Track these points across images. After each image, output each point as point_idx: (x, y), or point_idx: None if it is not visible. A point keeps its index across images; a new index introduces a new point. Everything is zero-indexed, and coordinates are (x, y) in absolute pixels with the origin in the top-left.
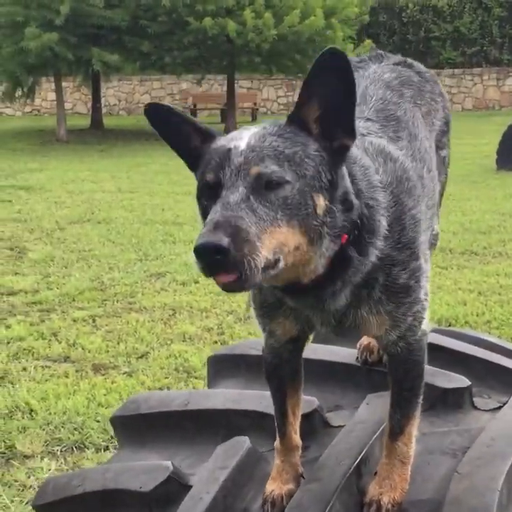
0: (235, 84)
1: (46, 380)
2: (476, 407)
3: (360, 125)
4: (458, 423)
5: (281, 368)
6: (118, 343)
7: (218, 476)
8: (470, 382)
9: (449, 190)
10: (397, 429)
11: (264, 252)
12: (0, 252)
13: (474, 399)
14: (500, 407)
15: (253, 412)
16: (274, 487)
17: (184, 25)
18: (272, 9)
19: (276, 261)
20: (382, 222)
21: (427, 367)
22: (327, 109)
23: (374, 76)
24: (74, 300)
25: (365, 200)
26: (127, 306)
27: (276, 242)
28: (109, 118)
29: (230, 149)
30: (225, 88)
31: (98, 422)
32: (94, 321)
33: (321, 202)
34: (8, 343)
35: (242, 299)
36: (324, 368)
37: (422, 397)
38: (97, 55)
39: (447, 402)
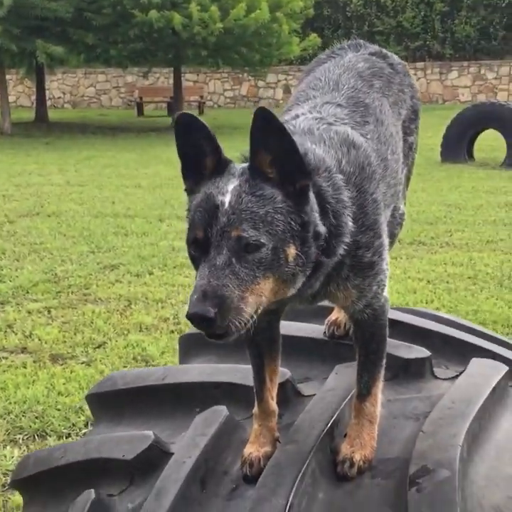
0: (182, 78)
1: (4, 371)
2: (436, 377)
3: (330, 111)
4: (420, 390)
5: (258, 337)
6: (75, 334)
7: (199, 442)
8: (430, 353)
9: None
10: (364, 391)
11: (248, 309)
12: None
13: (434, 369)
14: (457, 376)
15: (227, 383)
16: (252, 450)
17: (129, 18)
18: (218, 2)
19: (257, 310)
20: (348, 223)
21: (390, 340)
22: (275, 156)
23: (348, 65)
24: (28, 292)
25: (332, 208)
26: (82, 298)
27: (256, 297)
28: (53, 111)
29: (217, 206)
30: (171, 81)
31: (59, 410)
32: (49, 312)
33: (292, 251)
34: None
35: None
36: (293, 343)
37: (385, 360)
38: (41, 47)
39: (409, 372)
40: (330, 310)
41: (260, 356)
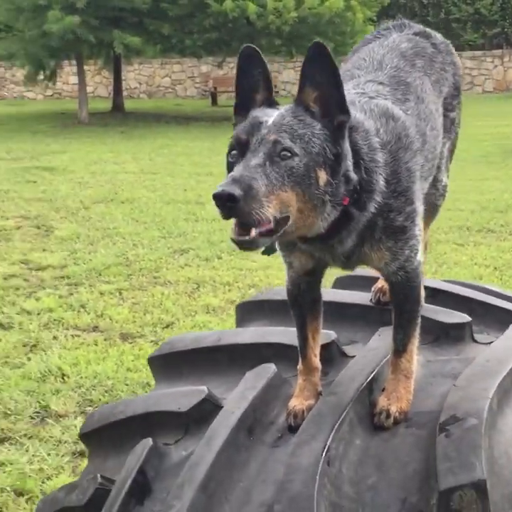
0: None
1: (76, 348)
2: (476, 341)
3: (372, 88)
4: (459, 353)
5: (300, 297)
6: (144, 314)
7: (247, 395)
8: (470, 319)
9: (467, 170)
10: (400, 348)
11: (271, 210)
12: (27, 230)
13: (475, 335)
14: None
15: (278, 344)
16: (296, 403)
17: (204, 8)
18: None
19: (286, 219)
20: (380, 182)
21: (431, 306)
22: (321, 92)
23: (392, 45)
24: (100, 275)
25: (365, 165)
26: (152, 280)
27: (281, 203)
28: (130, 101)
29: (261, 122)
30: None
31: (127, 385)
32: (120, 293)
33: (323, 176)
34: (39, 313)
35: (262, 274)
36: (342, 309)
37: (419, 320)
38: (118, 38)
39: (449, 336)
40: (376, 279)
41: (303, 316)
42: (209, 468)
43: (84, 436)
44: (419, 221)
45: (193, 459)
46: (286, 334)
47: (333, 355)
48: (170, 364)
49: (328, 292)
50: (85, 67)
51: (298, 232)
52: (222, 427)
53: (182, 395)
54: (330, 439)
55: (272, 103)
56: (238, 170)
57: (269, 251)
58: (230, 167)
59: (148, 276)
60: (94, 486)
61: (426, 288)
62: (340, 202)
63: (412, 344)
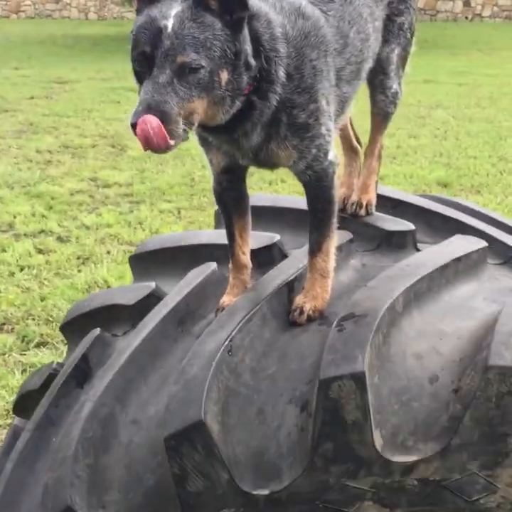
0: None
1: (125, 262)
2: (418, 249)
3: None
4: (397, 260)
5: (224, 195)
6: None
7: (183, 289)
8: (413, 227)
9: None
10: (315, 247)
11: (183, 124)
12: (102, 148)
13: (420, 244)
14: None
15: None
16: (226, 299)
17: None
18: None
19: (191, 124)
20: (280, 72)
21: (379, 214)
22: None
23: None
24: (164, 194)
25: (266, 53)
26: (212, 201)
27: (191, 112)
28: None
29: (160, 30)
30: None
31: None
32: (179, 212)
33: (225, 76)
34: (97, 228)
35: None
36: (298, 217)
37: (334, 219)
38: None
39: (391, 243)
40: None
41: (228, 214)
42: (131, 353)
43: (61, 328)
44: (326, 121)
45: (122, 345)
46: None
47: (274, 257)
48: (141, 263)
49: (286, 198)
50: None
51: (200, 123)
52: (153, 317)
53: (132, 290)
54: (235, 330)
55: None
56: (148, 91)
57: None
58: (137, 76)
59: (210, 196)
60: (48, 371)
61: (388, 199)
62: (242, 93)
63: (327, 244)
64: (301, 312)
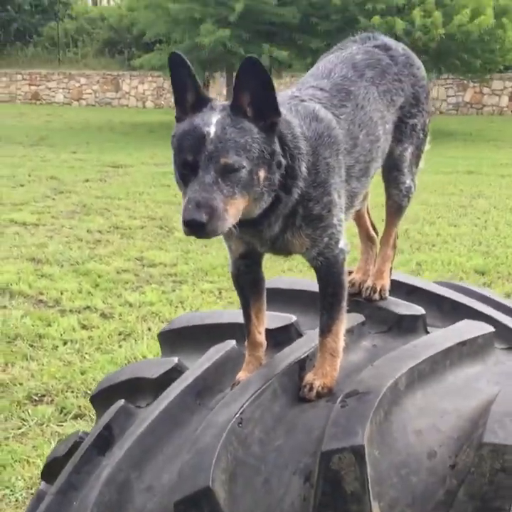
0: None
1: None
2: (427, 332)
3: (309, 92)
4: (406, 342)
5: (241, 278)
6: None
7: (203, 365)
8: (424, 312)
9: None
10: (325, 328)
11: (229, 218)
12: (150, 230)
13: (430, 328)
14: None
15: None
16: (241, 374)
17: (354, 24)
18: (442, 8)
19: (234, 219)
20: (302, 168)
21: (392, 299)
22: (254, 97)
23: (347, 56)
24: (206, 274)
25: (290, 151)
26: None
27: (234, 209)
28: None
29: (204, 136)
30: None
31: None
32: (220, 292)
33: (262, 174)
34: (140, 306)
35: None
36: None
37: (344, 303)
38: (267, 51)
39: (402, 326)
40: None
41: (245, 296)
42: (150, 423)
43: (91, 399)
44: (338, 212)
45: (143, 416)
46: None
47: (291, 336)
48: (168, 339)
49: (303, 281)
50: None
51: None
52: (173, 390)
53: (156, 364)
54: (247, 403)
55: (203, 100)
56: (195, 190)
57: None
58: (183, 179)
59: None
60: (74, 439)
61: (403, 284)
62: (275, 189)
63: (336, 326)
64: (311, 388)
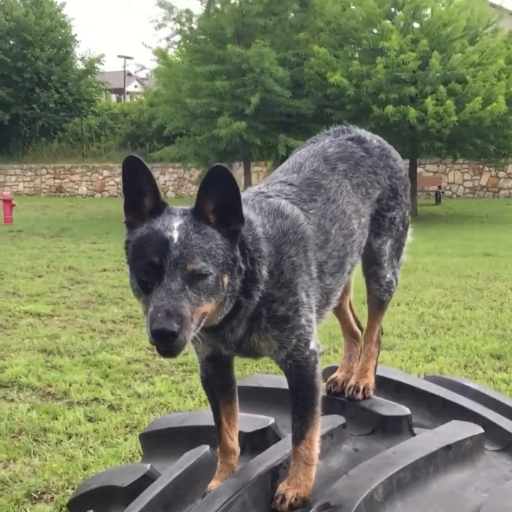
0: (419, 168)
1: None
2: (414, 434)
3: (276, 188)
4: (391, 445)
5: (210, 381)
6: None
7: (173, 473)
8: (408, 412)
9: None
10: (298, 436)
11: (194, 326)
12: None
13: (418, 428)
14: None
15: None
16: (213, 484)
17: (368, 113)
18: (454, 97)
19: (198, 326)
20: (263, 271)
21: (377, 398)
22: (219, 205)
23: (319, 150)
24: None
25: (250, 255)
26: (264, 371)
27: (200, 316)
28: None
29: (167, 241)
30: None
31: None
32: None
33: (226, 280)
34: (148, 397)
35: None
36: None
37: (317, 408)
38: (282, 141)
39: (386, 428)
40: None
41: (215, 400)
42: None
43: (68, 506)
44: (306, 312)
45: None
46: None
47: (268, 440)
48: (148, 442)
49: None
50: (257, 168)
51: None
52: (140, 501)
53: (128, 472)
54: None
55: (160, 205)
56: (162, 298)
57: None
58: (142, 285)
59: (262, 366)
60: None
61: (390, 381)
62: (236, 294)
63: (310, 432)
64: (283, 500)
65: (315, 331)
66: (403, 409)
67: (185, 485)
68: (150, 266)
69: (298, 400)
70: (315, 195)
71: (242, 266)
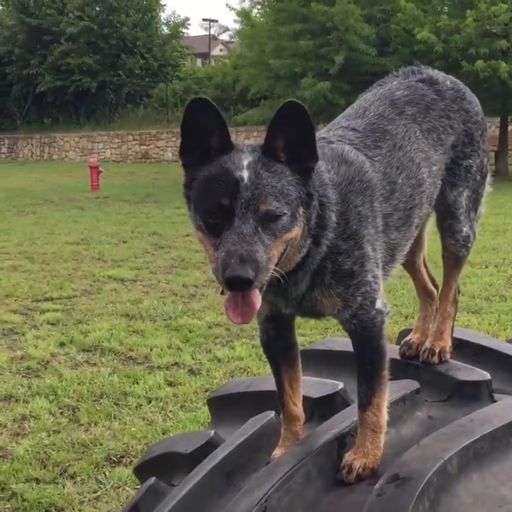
0: (511, 126)
1: None
2: (494, 400)
3: (338, 133)
4: (468, 412)
5: (270, 344)
6: None
7: (235, 440)
8: (488, 377)
9: None
10: (364, 401)
11: (271, 267)
12: None
13: (500, 394)
14: None
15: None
16: (277, 452)
17: (457, 68)
18: None
19: (275, 265)
20: (332, 217)
21: (454, 362)
22: (290, 142)
23: (386, 93)
24: (299, 327)
25: (319, 198)
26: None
27: (277, 256)
28: None
29: (237, 181)
30: None
31: None
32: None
33: (301, 212)
34: (228, 361)
35: None
36: None
37: (385, 371)
38: None
39: (463, 394)
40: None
41: (276, 363)
42: (172, 507)
43: (134, 471)
44: (372, 267)
45: (169, 497)
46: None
47: (336, 406)
48: (215, 407)
49: None
50: None
51: (282, 268)
52: (202, 469)
53: (191, 438)
54: (272, 489)
55: (229, 145)
56: (235, 242)
57: None
58: (210, 228)
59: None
60: None
61: (470, 344)
62: (310, 236)
63: (378, 397)
64: (350, 470)
65: (381, 289)
66: (482, 374)
67: (248, 453)
68: (220, 208)
69: (364, 363)
70: (380, 142)
71: (313, 202)
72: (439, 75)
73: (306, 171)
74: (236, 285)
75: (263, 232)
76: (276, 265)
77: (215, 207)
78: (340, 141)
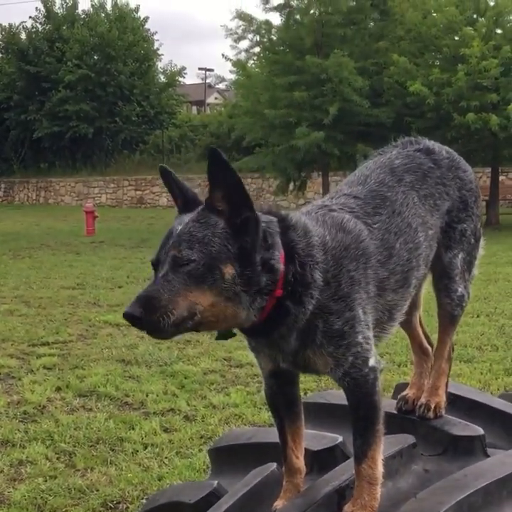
0: (502, 176)
1: None
2: (487, 455)
3: (340, 201)
4: (462, 466)
5: (274, 398)
6: None
7: (238, 491)
8: (482, 432)
9: None
10: (360, 454)
11: (177, 310)
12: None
13: (492, 449)
14: None
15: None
16: (278, 503)
17: (449, 121)
18: None
19: (193, 315)
20: (316, 276)
21: (449, 417)
22: (225, 192)
23: (386, 161)
24: None
25: (300, 259)
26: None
27: (188, 302)
28: None
29: (171, 233)
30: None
31: None
32: (305, 393)
33: (229, 270)
34: (223, 408)
35: None
36: None
37: (380, 425)
38: (361, 151)
39: (458, 448)
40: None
41: (280, 418)
42: None
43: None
44: (363, 329)
45: None
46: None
47: (336, 458)
48: (216, 457)
49: None
50: (335, 178)
51: (222, 323)
52: None
53: (195, 488)
54: None
55: (192, 204)
56: (147, 285)
57: (220, 337)
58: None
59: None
60: None
61: (464, 400)
62: (264, 291)
63: (373, 450)
64: None
65: (373, 348)
66: (476, 429)
67: (251, 503)
68: (155, 257)
69: (358, 418)
70: (380, 208)
71: (278, 265)
72: (436, 145)
73: (243, 223)
74: (129, 321)
75: (173, 275)
76: (206, 315)
77: (155, 256)
78: (341, 209)
